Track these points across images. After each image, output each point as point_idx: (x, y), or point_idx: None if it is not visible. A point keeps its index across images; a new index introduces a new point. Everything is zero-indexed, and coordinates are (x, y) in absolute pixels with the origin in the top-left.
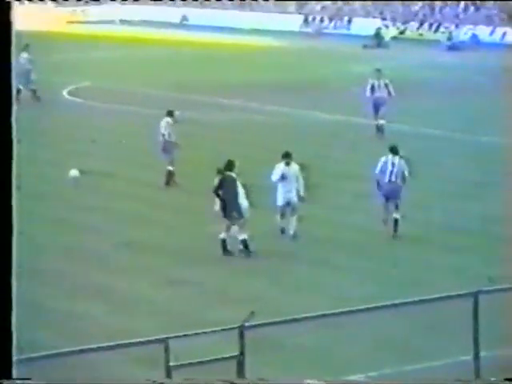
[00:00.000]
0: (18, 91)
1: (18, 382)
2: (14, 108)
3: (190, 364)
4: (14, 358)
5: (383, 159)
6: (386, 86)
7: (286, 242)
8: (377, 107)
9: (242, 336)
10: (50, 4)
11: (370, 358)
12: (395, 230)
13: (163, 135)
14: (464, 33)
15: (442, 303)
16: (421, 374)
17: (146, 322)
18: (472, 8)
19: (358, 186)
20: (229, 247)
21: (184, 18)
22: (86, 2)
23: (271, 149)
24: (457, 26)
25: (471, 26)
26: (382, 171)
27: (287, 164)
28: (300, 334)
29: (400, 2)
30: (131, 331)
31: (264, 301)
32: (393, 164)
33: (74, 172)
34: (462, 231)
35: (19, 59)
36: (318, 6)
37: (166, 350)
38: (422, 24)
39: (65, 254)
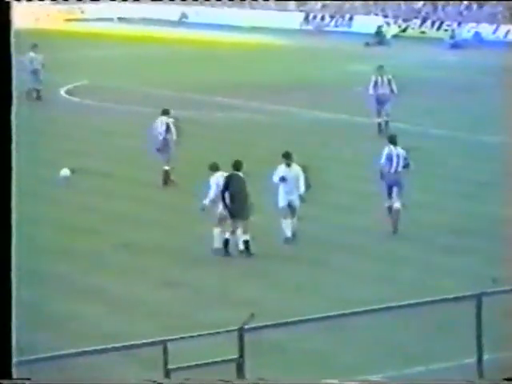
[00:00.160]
0: (29, 91)
1: (18, 382)
2: (14, 108)
3: (189, 367)
4: (14, 360)
5: (387, 150)
6: (389, 82)
7: (285, 244)
8: (380, 104)
9: (241, 338)
10: (48, 2)
11: (370, 361)
12: (397, 220)
13: (160, 134)
14: (467, 31)
15: (445, 305)
16: (423, 376)
17: (144, 323)
18: (475, 6)
19: (359, 186)
20: (230, 248)
21: (183, 15)
22: None
23: (271, 148)
24: (459, 23)
25: (474, 24)
26: (387, 162)
27: (288, 165)
28: (300, 336)
29: (402, 1)
30: (130, 333)
31: (263, 303)
32: (397, 155)
33: (64, 171)
34: (464, 232)
35: (27, 58)
36: (318, 4)
37: (165, 352)
38: (424, 22)
39: (64, 255)
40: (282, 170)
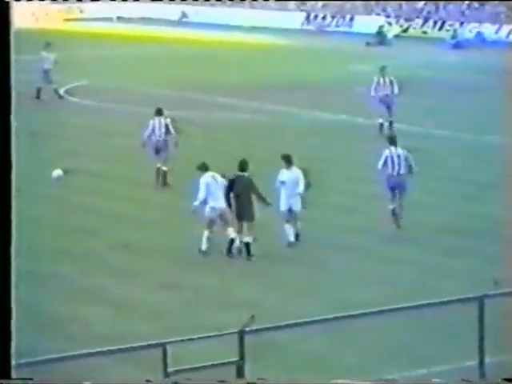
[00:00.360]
0: (39, 90)
1: (19, 382)
2: (13, 108)
3: (189, 369)
4: (13, 363)
5: (386, 152)
6: (392, 83)
7: (286, 245)
8: (386, 106)
9: (242, 341)
10: (47, 1)
11: (372, 363)
12: (399, 218)
13: (159, 135)
14: (469, 31)
15: (447, 307)
16: (425, 379)
17: (144, 325)
18: (477, 5)
19: (360, 188)
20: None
21: (183, 15)
22: None
23: (272, 149)
24: (461, 23)
25: (476, 24)
26: (387, 164)
27: (288, 168)
28: (301, 338)
29: (404, 0)
30: (130, 335)
31: (264, 304)
32: (398, 156)
33: (57, 171)
34: (465, 233)
35: (39, 58)
36: (319, 4)
37: (164, 354)
38: (425, 21)
39: (63, 256)
40: (282, 173)
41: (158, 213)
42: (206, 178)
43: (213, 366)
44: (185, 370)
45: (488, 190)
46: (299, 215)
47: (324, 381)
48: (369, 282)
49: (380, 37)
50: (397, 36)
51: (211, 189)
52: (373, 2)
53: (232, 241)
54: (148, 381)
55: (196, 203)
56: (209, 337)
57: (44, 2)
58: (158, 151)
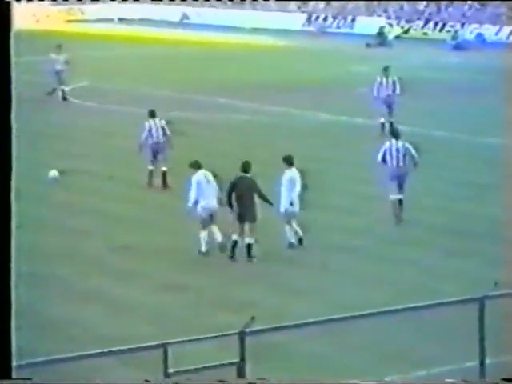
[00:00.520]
0: (54, 90)
1: (19, 382)
2: (14, 109)
3: (189, 370)
4: (14, 363)
5: (387, 145)
6: (394, 83)
7: (286, 247)
8: (388, 106)
9: (242, 342)
10: (48, 3)
11: (372, 364)
12: (400, 211)
13: (156, 138)
14: (469, 32)
15: (447, 308)
16: (425, 380)
17: (145, 327)
18: (478, 6)
19: (360, 189)
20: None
21: (184, 16)
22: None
23: (273, 150)
24: (462, 24)
25: (477, 25)
26: (386, 157)
27: (288, 169)
28: (301, 339)
29: (405, 1)
30: (130, 336)
31: (264, 306)
32: (397, 150)
33: (53, 172)
34: (465, 234)
35: (49, 59)
36: (321, 4)
37: (165, 355)
38: (426, 23)
39: (63, 257)
40: (285, 174)
41: (159, 214)
42: (198, 176)
43: (213, 366)
44: (185, 371)
45: (488, 191)
46: (297, 216)
47: (325, 382)
48: (369, 283)
49: (381, 38)
50: (397, 37)
51: (202, 187)
52: (375, 3)
53: (235, 243)
54: (147, 381)
55: (189, 204)
56: (209, 338)
57: (44, 2)
58: (155, 154)
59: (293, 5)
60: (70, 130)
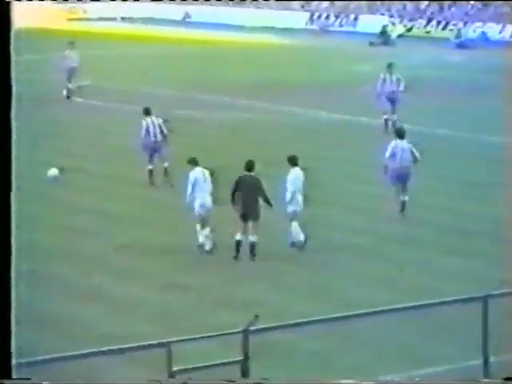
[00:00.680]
0: (70, 91)
1: (19, 382)
2: (14, 108)
3: (193, 369)
4: (14, 362)
5: (392, 144)
6: (398, 81)
7: (289, 245)
8: (392, 103)
9: (246, 340)
10: (50, 2)
11: (376, 363)
12: (402, 210)
13: (154, 136)
14: (473, 30)
15: (451, 307)
16: (429, 379)
17: (148, 325)
18: (481, 5)
19: (363, 188)
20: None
21: (187, 15)
22: None
23: (275, 149)
24: (465, 23)
25: (480, 24)
26: (392, 156)
27: (292, 168)
28: (305, 337)
29: (408, 1)
30: (132, 336)
31: (268, 304)
32: (402, 149)
33: (53, 171)
34: (468, 233)
35: (62, 57)
36: (324, 3)
37: (169, 354)
38: (429, 21)
39: (64, 256)
40: (290, 173)
41: (159, 212)
42: (195, 172)
43: (217, 365)
44: (189, 370)
45: (491, 190)
46: (300, 215)
47: (328, 380)
48: (372, 282)
49: (384, 37)
50: (400, 36)
51: (199, 183)
52: (378, 3)
53: (239, 243)
54: (151, 380)
55: (187, 200)
56: (213, 336)
57: (46, 2)
58: (154, 152)
59: (296, 3)
60: (71, 128)
